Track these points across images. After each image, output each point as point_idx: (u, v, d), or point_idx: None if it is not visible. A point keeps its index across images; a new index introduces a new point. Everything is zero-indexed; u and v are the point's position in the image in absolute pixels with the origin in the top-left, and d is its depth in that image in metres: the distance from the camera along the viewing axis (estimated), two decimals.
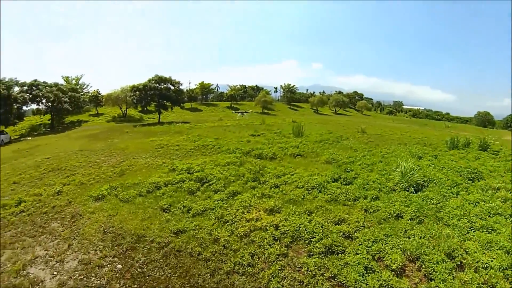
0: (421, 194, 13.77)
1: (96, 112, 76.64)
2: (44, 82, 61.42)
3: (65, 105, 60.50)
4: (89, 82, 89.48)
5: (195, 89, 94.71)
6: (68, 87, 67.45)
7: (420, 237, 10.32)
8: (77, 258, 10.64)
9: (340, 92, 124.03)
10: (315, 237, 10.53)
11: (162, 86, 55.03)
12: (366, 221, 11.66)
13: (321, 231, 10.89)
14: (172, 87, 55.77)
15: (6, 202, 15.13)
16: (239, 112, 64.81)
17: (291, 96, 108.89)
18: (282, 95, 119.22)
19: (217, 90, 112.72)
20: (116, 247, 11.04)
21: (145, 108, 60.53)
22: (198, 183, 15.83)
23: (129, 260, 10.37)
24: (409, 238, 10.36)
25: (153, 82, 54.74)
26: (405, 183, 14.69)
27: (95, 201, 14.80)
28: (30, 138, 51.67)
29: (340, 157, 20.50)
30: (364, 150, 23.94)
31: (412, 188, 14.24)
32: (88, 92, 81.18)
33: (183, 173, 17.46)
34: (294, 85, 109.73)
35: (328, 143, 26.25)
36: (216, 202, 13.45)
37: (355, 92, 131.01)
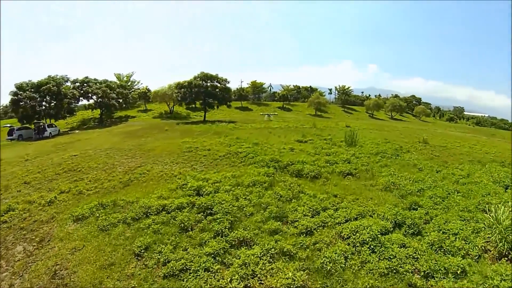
0: None
1: (145, 108, 76.25)
2: (95, 79, 63.62)
3: (112, 101, 62.09)
4: (139, 79, 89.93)
5: (246, 88, 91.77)
6: (117, 84, 68.46)
7: None
8: None
9: (396, 96, 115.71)
10: None
11: (208, 84, 52.27)
12: None
13: None
14: (219, 85, 52.70)
15: None
16: (266, 114, 60.52)
17: (346, 99, 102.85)
18: (336, 97, 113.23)
19: (270, 90, 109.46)
20: None
21: (193, 106, 58.25)
22: (200, 213, 12.01)
23: None
24: None
25: (198, 79, 52.34)
26: (505, 244, 9.32)
27: (73, 222, 11.64)
28: (78, 131, 52.72)
29: (403, 182, 15.88)
30: (431, 169, 19.06)
31: None
32: (139, 89, 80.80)
33: (191, 194, 13.84)
34: (349, 87, 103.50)
35: (386, 156, 21.58)
36: (204, 259, 9.20)
37: (413, 96, 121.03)
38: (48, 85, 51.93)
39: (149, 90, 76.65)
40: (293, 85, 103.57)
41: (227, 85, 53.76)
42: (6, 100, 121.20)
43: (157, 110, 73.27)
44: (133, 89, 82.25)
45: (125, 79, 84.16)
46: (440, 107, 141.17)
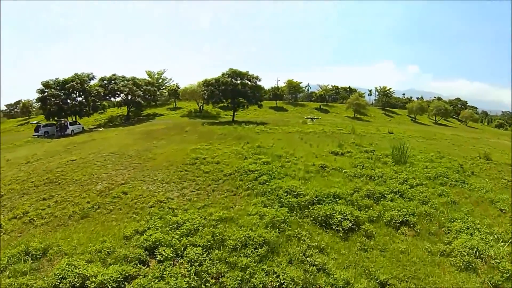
0: None
1: (174, 106, 73.46)
2: (123, 77, 62.83)
3: (139, 98, 61.05)
4: (171, 76, 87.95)
5: (282, 87, 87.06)
6: (145, 81, 66.77)
7: None
8: None
9: (439, 98, 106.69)
10: None
11: (238, 82, 48.02)
12: None
13: None
14: (249, 83, 48.27)
15: None
16: (308, 118, 55.49)
17: (387, 101, 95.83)
18: (376, 99, 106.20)
19: (307, 89, 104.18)
20: None
21: (224, 104, 54.34)
22: None
23: None
24: None
25: (226, 76, 48.31)
26: None
27: None
28: (102, 129, 52.43)
29: (488, 245, 10.01)
30: None
31: None
32: (168, 86, 78.68)
33: (139, 257, 9.11)
34: (390, 88, 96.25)
35: (448, 183, 16.07)
36: None
37: (458, 99, 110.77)
38: (72, 83, 51.80)
39: (178, 87, 74.05)
40: (331, 85, 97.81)
41: (258, 83, 49.21)
42: (5, 100, 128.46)
43: (187, 108, 70.46)
44: (163, 87, 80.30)
45: (156, 76, 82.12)
46: (487, 112, 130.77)
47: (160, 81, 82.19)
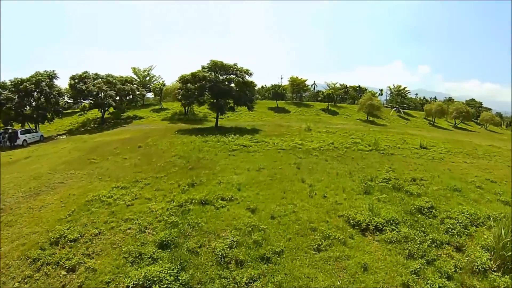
0: None
1: (160, 107, 63.38)
2: (95, 74, 54.84)
3: (109, 99, 52.02)
4: (159, 74, 77.68)
5: (285, 85, 76.03)
6: (120, 79, 57.85)
7: None
8: None
9: (450, 99, 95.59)
10: None
11: (222, 77, 37.18)
12: None
13: None
14: (239, 79, 37.29)
15: None
16: (395, 108, 44.86)
17: (403, 101, 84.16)
18: (388, 99, 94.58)
19: (314, 88, 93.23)
20: None
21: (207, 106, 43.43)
22: None
23: None
24: None
25: (206, 70, 37.90)
26: None
27: None
28: (65, 137, 45.54)
29: None
30: None
31: None
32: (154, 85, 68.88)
33: None
34: (405, 88, 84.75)
35: None
36: None
37: (472, 100, 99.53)
38: (24, 84, 43.62)
39: (164, 85, 64.32)
40: (340, 84, 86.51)
41: (249, 78, 38.18)
42: None
43: (174, 109, 60.42)
44: (150, 85, 70.46)
45: (144, 73, 72.12)
46: (501, 113, 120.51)
47: (148, 79, 71.79)
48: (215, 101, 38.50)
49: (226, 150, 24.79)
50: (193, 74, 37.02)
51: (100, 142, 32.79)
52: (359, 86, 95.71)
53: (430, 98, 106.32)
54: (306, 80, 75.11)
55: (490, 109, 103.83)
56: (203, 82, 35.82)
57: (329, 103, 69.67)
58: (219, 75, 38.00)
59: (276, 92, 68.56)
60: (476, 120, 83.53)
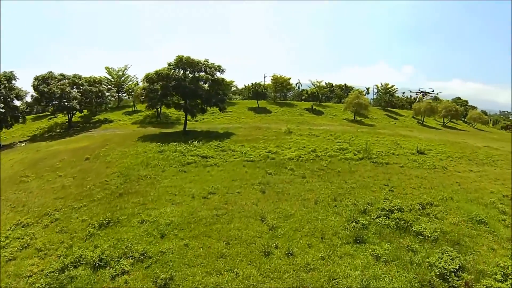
0: None
1: (133, 109, 57.40)
2: (61, 75, 48.72)
3: (74, 102, 45.82)
4: (135, 73, 71.62)
5: (267, 84, 70.37)
6: (87, 80, 51.76)
7: None
8: None
9: (436, 98, 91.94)
10: None
11: (190, 76, 31.61)
12: None
13: None
14: (208, 76, 31.71)
15: None
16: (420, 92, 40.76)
17: (390, 100, 79.29)
18: (375, 97, 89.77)
19: (298, 87, 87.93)
20: None
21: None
22: None
23: None
24: None
25: (172, 67, 32.26)
26: None
27: None
28: (24, 144, 40.32)
29: None
30: None
31: None
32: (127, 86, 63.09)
33: None
34: (393, 86, 80.00)
35: None
36: None
37: (458, 98, 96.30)
38: None
39: (137, 85, 58.32)
40: (326, 82, 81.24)
41: (220, 75, 32.60)
42: None
43: (147, 111, 54.36)
44: (125, 85, 64.32)
45: (119, 73, 65.62)
46: (486, 111, 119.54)
47: (123, 79, 65.52)
48: (182, 102, 32.81)
49: (179, 163, 19.67)
50: (157, 72, 31.29)
51: (52, 152, 27.93)
52: (345, 84, 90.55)
53: (410, 92, 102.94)
54: (289, 78, 69.53)
55: (476, 107, 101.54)
56: (167, 81, 30.26)
57: (314, 102, 64.27)
58: (189, 73, 32.41)
59: (256, 92, 62.55)
60: (463, 119, 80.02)
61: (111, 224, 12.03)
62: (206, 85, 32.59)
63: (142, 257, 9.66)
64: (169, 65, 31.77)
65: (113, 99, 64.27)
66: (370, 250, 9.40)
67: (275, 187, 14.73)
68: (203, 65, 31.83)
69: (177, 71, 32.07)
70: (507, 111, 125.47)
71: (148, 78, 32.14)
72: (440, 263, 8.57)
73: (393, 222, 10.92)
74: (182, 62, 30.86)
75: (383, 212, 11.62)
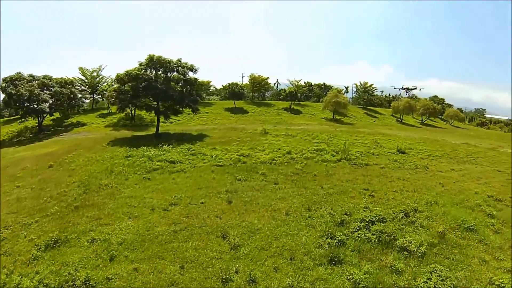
0: None
1: (108, 111, 54.77)
2: (30, 75, 46.02)
3: (43, 104, 42.99)
4: (110, 74, 68.83)
5: (244, 84, 68.72)
6: (58, 81, 48.26)
7: None
8: None
9: (415, 96, 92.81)
10: None
11: (162, 76, 29.76)
12: None
13: None
14: (179, 76, 29.98)
15: None
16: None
17: (369, 99, 78.93)
18: (355, 96, 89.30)
19: (277, 86, 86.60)
20: None
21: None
22: None
23: None
24: None
25: (143, 67, 30.28)
26: None
27: None
28: None
29: None
30: None
31: None
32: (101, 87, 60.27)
33: None
34: (372, 85, 79.69)
35: None
36: None
37: (435, 97, 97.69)
38: None
39: (110, 86, 55.71)
40: (304, 82, 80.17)
41: (193, 75, 30.92)
42: None
43: (122, 113, 52.04)
44: (99, 86, 61.60)
45: (94, 74, 62.78)
46: (462, 109, 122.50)
47: (98, 80, 62.78)
48: (155, 104, 30.93)
49: (145, 170, 17.90)
50: (127, 73, 29.16)
51: (17, 158, 25.97)
52: (324, 83, 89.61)
53: (396, 94, 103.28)
54: (267, 78, 68.17)
55: (452, 105, 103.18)
56: (137, 81, 28.27)
57: (292, 102, 63.14)
58: (161, 73, 30.48)
59: (233, 92, 60.91)
60: (441, 116, 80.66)
61: (58, 244, 10.27)
62: (179, 86, 30.79)
63: (83, 287, 8.01)
64: (140, 65, 29.84)
65: (87, 101, 61.29)
66: (347, 273, 7.86)
67: (243, 196, 13.16)
68: (175, 64, 29.98)
69: (149, 71, 30.06)
70: (481, 109, 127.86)
71: (119, 79, 30.10)
72: (429, 286, 7.21)
73: (374, 236, 9.43)
74: (153, 62, 28.92)
75: (363, 224, 10.12)
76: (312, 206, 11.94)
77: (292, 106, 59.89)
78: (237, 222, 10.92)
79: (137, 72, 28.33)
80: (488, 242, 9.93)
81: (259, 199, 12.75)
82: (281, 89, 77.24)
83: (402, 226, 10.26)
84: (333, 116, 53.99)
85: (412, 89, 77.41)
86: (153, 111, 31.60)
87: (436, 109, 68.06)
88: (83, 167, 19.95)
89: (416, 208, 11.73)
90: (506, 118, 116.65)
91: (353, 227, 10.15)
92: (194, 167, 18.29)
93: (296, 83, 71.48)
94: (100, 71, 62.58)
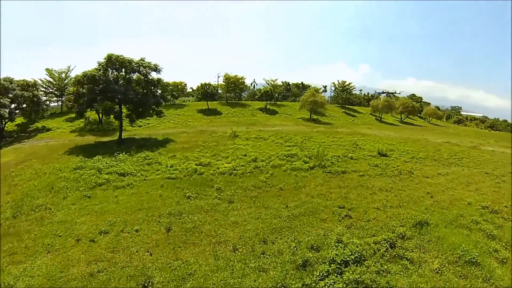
0: None
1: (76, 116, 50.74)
2: None
3: (3, 109, 39.01)
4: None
5: (218, 84, 65.59)
6: (18, 84, 44.25)
7: None
8: None
9: (393, 94, 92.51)
10: None
11: (123, 78, 26.74)
12: None
13: None
14: (140, 76, 27.02)
15: None
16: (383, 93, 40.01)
17: (348, 98, 77.16)
18: (333, 95, 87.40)
19: (254, 86, 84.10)
20: None
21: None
22: None
23: None
24: None
25: (102, 67, 26.98)
26: None
27: None
28: None
29: None
30: None
31: None
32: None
33: None
34: (350, 83, 78.02)
35: None
36: None
37: (413, 95, 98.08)
38: None
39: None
40: (282, 81, 77.67)
41: (156, 75, 27.90)
42: None
43: (91, 117, 48.30)
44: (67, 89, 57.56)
45: (62, 76, 58.59)
46: (439, 107, 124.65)
47: (67, 81, 58.61)
48: (119, 107, 27.74)
49: (89, 185, 14.89)
50: (85, 74, 26.00)
51: None
52: (302, 83, 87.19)
53: (375, 92, 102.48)
54: (242, 77, 65.27)
55: (429, 104, 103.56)
56: (94, 83, 25.04)
57: (268, 102, 60.46)
58: (123, 74, 27.28)
59: (205, 92, 57.65)
60: (419, 114, 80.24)
61: None
62: (140, 87, 27.64)
63: None
64: (99, 65, 26.63)
65: (55, 104, 57.21)
66: None
67: (187, 221, 10.29)
68: (136, 64, 26.69)
69: (110, 72, 27.01)
70: (457, 106, 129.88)
71: (76, 81, 26.94)
72: None
73: (348, 287, 6.72)
74: (112, 62, 25.70)
75: (332, 266, 7.21)
76: (269, 236, 9.11)
77: (267, 106, 57.14)
78: (168, 261, 8.09)
79: (94, 73, 25.14)
80: (494, 281, 7.44)
81: (205, 226, 9.90)
82: (257, 89, 74.58)
83: (386, 266, 7.56)
84: (310, 115, 51.55)
85: (393, 93, 76.38)
86: (109, 115, 28.47)
87: (414, 107, 67.52)
88: (26, 182, 16.90)
89: (403, 234, 9.08)
90: (481, 115, 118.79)
91: (319, 272, 7.21)
92: (145, 180, 15.35)
93: (273, 82, 68.82)
94: (69, 72, 58.27)
